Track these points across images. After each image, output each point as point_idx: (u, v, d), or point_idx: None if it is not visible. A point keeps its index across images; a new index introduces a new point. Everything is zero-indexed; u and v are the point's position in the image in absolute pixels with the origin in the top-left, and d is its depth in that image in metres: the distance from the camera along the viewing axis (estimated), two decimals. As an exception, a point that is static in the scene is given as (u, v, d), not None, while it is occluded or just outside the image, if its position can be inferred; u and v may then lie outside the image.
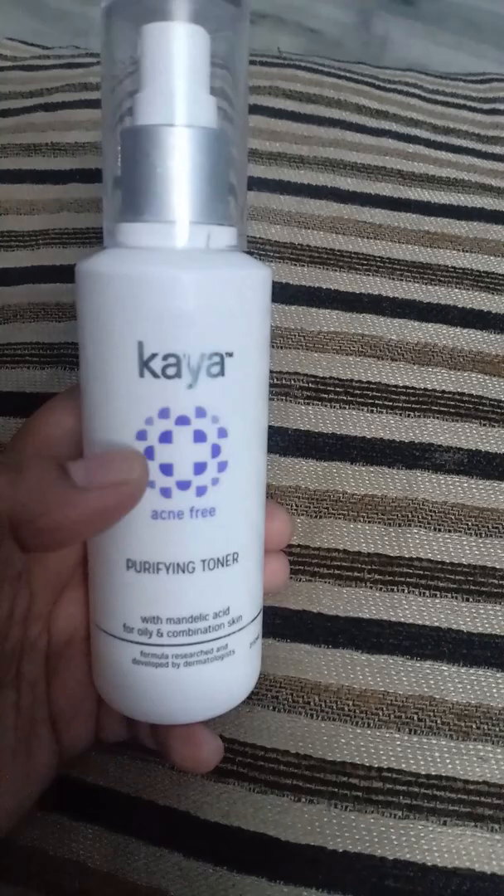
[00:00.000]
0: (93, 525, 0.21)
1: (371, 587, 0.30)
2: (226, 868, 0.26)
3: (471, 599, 0.29)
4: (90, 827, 0.27)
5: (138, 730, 0.25)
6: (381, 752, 0.27)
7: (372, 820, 0.26)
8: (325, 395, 0.33)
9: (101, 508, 0.20)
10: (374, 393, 0.33)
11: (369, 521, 0.31)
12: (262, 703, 0.28)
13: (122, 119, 0.22)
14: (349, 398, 0.33)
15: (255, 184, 0.39)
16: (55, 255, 0.37)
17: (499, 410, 0.33)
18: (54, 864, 0.26)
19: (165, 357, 0.20)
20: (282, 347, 0.34)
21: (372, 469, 0.32)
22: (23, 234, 0.38)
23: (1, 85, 0.46)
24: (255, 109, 0.42)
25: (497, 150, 0.43)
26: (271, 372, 0.33)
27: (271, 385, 0.33)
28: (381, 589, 0.29)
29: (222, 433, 0.21)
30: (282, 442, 0.32)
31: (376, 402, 0.33)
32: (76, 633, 0.25)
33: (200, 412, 0.20)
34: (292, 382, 0.33)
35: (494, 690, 0.28)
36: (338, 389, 0.33)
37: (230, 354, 0.21)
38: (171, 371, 0.20)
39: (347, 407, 0.33)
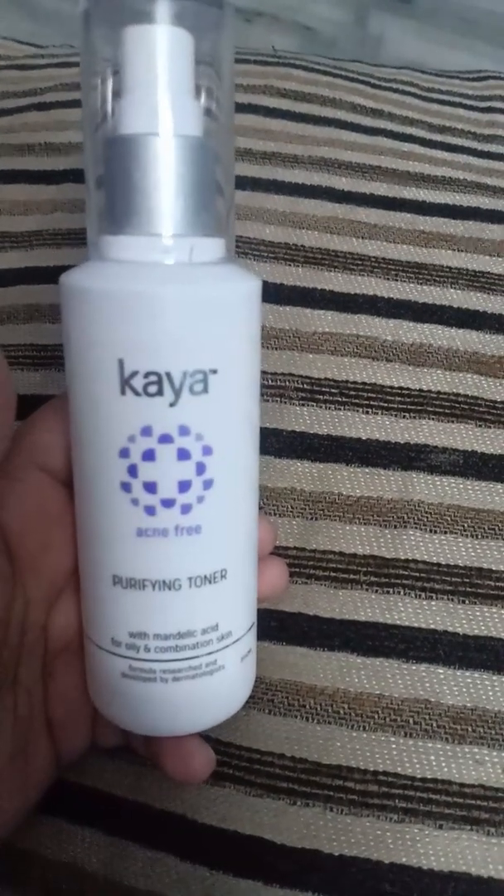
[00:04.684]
0: None
1: (367, 589, 0.29)
2: (222, 872, 0.26)
3: (467, 601, 0.29)
4: (87, 830, 0.27)
5: (132, 738, 0.25)
6: (377, 756, 0.27)
7: (368, 823, 0.26)
8: (320, 397, 0.33)
9: None
10: (370, 394, 0.33)
11: (365, 523, 0.31)
12: (257, 706, 0.28)
13: (103, 122, 0.22)
14: (344, 399, 0.33)
15: (249, 183, 0.39)
16: (49, 255, 0.37)
17: (494, 411, 0.33)
18: (51, 868, 0.26)
19: (146, 375, 0.19)
20: (276, 349, 0.34)
21: (367, 470, 0.32)
22: (16, 235, 0.38)
23: (-6, 84, 0.46)
24: (249, 108, 0.42)
25: (493, 148, 0.43)
26: (266, 373, 0.33)
27: (266, 386, 0.33)
28: (376, 591, 0.29)
29: (207, 451, 0.21)
30: (277, 444, 0.32)
31: (371, 403, 0.33)
32: (72, 640, 0.25)
33: (184, 430, 0.20)
34: (287, 384, 0.33)
35: (490, 693, 0.27)
36: (333, 391, 0.33)
37: (214, 371, 0.20)
38: (152, 389, 0.20)
39: (342, 408, 0.33)
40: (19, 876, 0.26)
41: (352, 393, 0.33)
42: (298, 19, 0.66)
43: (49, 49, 0.52)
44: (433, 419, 0.33)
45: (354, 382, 0.33)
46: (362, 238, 0.37)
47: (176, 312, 0.20)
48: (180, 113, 0.20)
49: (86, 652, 0.24)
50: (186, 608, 0.22)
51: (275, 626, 0.29)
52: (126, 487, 0.21)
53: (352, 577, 0.30)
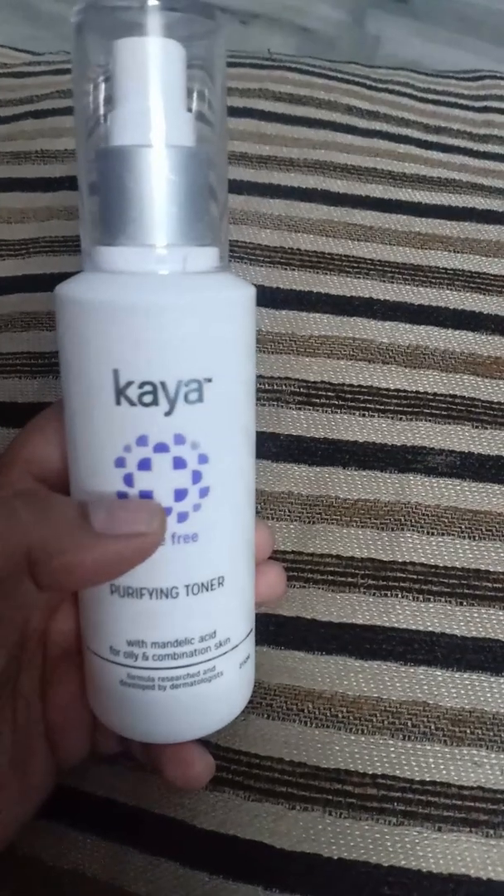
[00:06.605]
0: (105, 572, 0.21)
1: (364, 592, 0.29)
2: (221, 876, 0.26)
3: (464, 603, 0.29)
4: (87, 836, 0.27)
5: (131, 745, 0.26)
6: (376, 759, 0.27)
7: (367, 827, 0.26)
8: (317, 400, 0.33)
9: (115, 557, 0.20)
10: (366, 397, 0.33)
11: (362, 526, 0.31)
12: (256, 711, 0.28)
13: (95, 133, 0.22)
14: (341, 402, 0.33)
15: (245, 187, 0.39)
16: (45, 263, 0.37)
17: (491, 412, 0.33)
18: (52, 874, 0.27)
19: (141, 385, 0.20)
20: (272, 352, 0.34)
21: (364, 473, 0.32)
22: (13, 243, 0.38)
23: (-9, 92, 0.46)
24: (244, 112, 0.42)
25: (489, 148, 0.43)
26: (262, 377, 0.33)
27: (262, 391, 0.33)
28: (374, 594, 0.29)
29: (203, 459, 0.21)
30: (273, 448, 0.32)
31: (368, 405, 0.33)
32: (70, 648, 0.25)
33: (179, 439, 0.20)
34: (283, 388, 0.33)
35: (488, 695, 0.27)
36: (329, 394, 0.33)
37: (209, 380, 0.20)
38: (147, 399, 0.20)
39: (339, 411, 0.33)
40: (20, 882, 0.27)
41: (348, 396, 0.33)
42: (296, 20, 0.66)
43: (45, 56, 0.52)
44: (430, 421, 0.33)
45: (351, 385, 0.33)
46: (358, 240, 0.37)
47: (170, 322, 0.20)
48: (172, 123, 0.20)
49: (84, 660, 0.24)
50: (184, 616, 0.22)
51: (273, 630, 0.29)
52: (122, 497, 0.21)
53: (349, 580, 0.30)
